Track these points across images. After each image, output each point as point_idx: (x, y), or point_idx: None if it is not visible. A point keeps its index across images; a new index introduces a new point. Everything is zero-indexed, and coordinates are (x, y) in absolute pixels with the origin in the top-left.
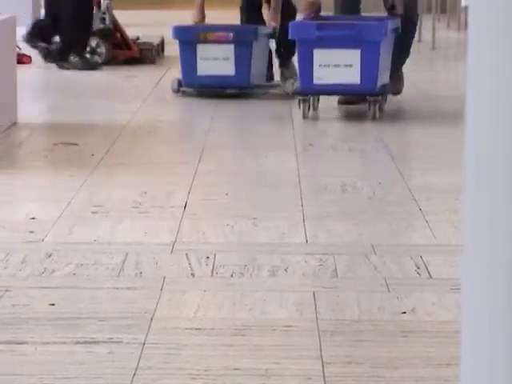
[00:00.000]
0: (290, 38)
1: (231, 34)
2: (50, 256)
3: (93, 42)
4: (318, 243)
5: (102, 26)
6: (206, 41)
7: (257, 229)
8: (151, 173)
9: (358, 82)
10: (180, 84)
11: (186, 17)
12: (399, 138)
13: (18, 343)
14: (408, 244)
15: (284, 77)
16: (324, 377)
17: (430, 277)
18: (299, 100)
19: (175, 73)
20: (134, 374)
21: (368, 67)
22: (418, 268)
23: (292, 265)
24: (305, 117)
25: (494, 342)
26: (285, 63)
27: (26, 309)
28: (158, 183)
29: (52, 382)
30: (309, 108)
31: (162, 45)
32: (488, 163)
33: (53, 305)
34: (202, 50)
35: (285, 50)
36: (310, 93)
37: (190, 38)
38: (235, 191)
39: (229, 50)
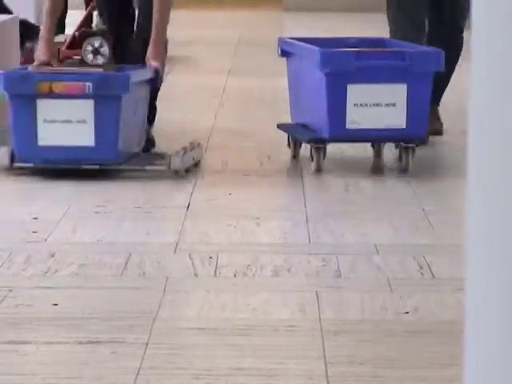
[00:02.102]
0: (321, 70)
1: (88, 84)
2: (53, 256)
3: (96, 43)
4: (321, 243)
5: (104, 26)
6: (50, 94)
7: (260, 229)
8: (154, 173)
9: (403, 126)
10: (13, 158)
11: (187, 17)
12: None
13: (21, 343)
14: (411, 244)
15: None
16: (327, 376)
17: (433, 277)
18: (311, 149)
19: (178, 73)
20: (137, 374)
21: (416, 106)
22: (421, 268)
23: (295, 265)
24: (319, 170)
25: (498, 343)
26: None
27: (29, 309)
28: (160, 183)
29: (55, 381)
30: (324, 157)
31: (165, 45)
32: (491, 163)
33: (56, 305)
34: (45, 108)
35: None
36: (340, 139)
37: (26, 91)
38: (238, 191)
39: (86, 108)
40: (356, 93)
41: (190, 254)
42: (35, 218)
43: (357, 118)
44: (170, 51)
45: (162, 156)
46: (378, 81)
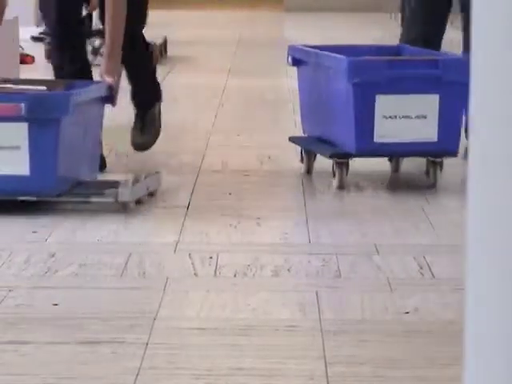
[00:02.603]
0: (348, 80)
1: (22, 105)
2: (53, 256)
3: (96, 43)
4: (321, 243)
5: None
6: None
7: (260, 229)
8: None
9: (435, 139)
10: None
11: (187, 17)
12: None
13: (22, 343)
14: (411, 244)
15: (139, 140)
16: (327, 377)
17: (433, 277)
18: (334, 164)
19: (178, 73)
20: (137, 374)
21: (448, 118)
22: (421, 268)
23: (295, 265)
24: (341, 187)
25: (498, 342)
26: (143, 129)
27: (30, 309)
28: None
29: (55, 381)
30: (347, 173)
31: (164, 45)
32: (491, 162)
33: (56, 305)
34: None
35: (142, 115)
36: (367, 154)
37: None
38: (238, 191)
39: (19, 132)
40: (385, 104)
41: (190, 254)
42: (35, 218)
43: (385, 131)
44: (170, 51)
45: (112, 184)
46: (408, 91)
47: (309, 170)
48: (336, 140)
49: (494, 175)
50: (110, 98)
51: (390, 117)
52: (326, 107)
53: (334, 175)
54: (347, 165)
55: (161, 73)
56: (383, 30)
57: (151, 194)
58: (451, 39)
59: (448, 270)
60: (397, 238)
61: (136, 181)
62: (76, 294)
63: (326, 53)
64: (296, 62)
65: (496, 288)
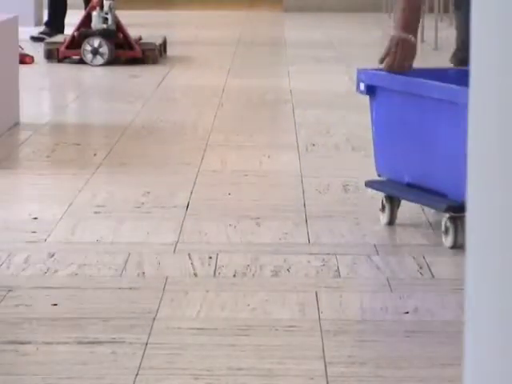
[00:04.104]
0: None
1: None
2: (52, 256)
3: (95, 42)
4: (321, 243)
5: (104, 26)
6: None
7: (259, 229)
8: (154, 173)
9: None
10: None
11: (187, 17)
12: None
13: (21, 343)
14: (411, 244)
15: None
16: (327, 377)
17: (433, 277)
18: (448, 219)
19: (178, 73)
20: (137, 374)
21: None
22: (421, 268)
23: (294, 265)
24: (456, 245)
25: (497, 343)
26: None
27: (29, 309)
28: (160, 183)
29: (55, 382)
30: (462, 228)
31: (164, 45)
32: (491, 161)
33: (56, 305)
34: None
35: None
36: None
37: None
38: (238, 191)
39: None
40: None
41: (189, 254)
42: (35, 218)
43: None
44: (170, 51)
45: None
46: None
47: (392, 221)
48: (445, 189)
49: (493, 175)
50: None
51: None
52: (429, 148)
53: (447, 232)
54: (463, 219)
55: (161, 72)
56: (383, 30)
57: None
58: (449, 38)
59: (448, 270)
60: (397, 238)
61: None
62: (76, 294)
63: (431, 82)
64: (371, 90)
65: (496, 288)
